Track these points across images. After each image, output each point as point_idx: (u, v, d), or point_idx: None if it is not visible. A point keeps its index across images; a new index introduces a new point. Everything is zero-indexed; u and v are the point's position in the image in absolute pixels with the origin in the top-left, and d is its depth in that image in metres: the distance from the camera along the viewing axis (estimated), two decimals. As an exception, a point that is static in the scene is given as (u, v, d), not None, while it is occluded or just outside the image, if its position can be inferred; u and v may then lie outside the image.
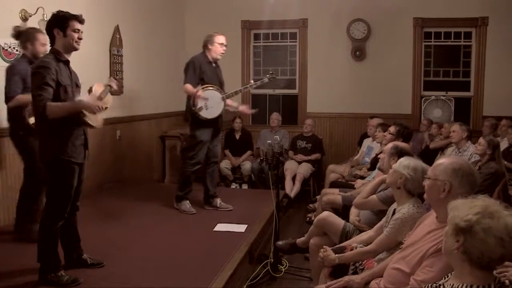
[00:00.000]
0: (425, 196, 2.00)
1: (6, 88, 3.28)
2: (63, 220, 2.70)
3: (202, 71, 4.16)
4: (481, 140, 3.85)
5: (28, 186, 3.43)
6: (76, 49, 2.71)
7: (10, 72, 3.31)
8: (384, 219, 2.57)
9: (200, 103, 4.09)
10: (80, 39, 2.69)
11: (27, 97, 3.08)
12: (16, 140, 3.37)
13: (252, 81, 4.37)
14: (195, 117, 4.15)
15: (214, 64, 4.28)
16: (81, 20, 2.68)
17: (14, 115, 3.33)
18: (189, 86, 4.12)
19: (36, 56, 3.35)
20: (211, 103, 4.14)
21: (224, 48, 4.24)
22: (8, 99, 3.28)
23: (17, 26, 3.55)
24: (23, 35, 3.41)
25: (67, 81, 2.66)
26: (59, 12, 2.68)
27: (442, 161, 1.94)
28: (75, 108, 2.63)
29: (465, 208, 1.42)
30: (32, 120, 3.11)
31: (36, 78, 2.57)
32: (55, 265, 2.69)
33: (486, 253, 1.37)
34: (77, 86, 2.80)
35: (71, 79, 2.73)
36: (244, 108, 4.53)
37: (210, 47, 4.21)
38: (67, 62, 2.71)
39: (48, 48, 3.33)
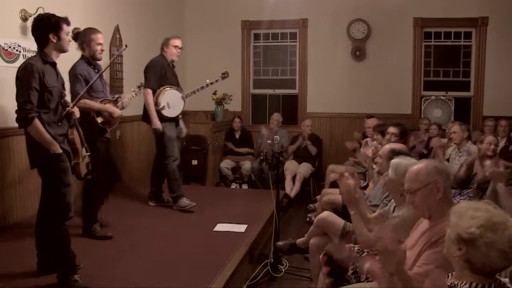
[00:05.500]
0: (415, 211, 1.99)
1: (71, 89, 3.28)
2: (69, 218, 2.63)
3: (163, 72, 4.28)
4: (490, 138, 3.80)
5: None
6: (67, 51, 2.74)
7: (71, 74, 3.36)
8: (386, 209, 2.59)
9: (163, 102, 4.22)
10: (70, 41, 2.76)
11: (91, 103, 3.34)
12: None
13: (208, 81, 4.58)
14: (158, 116, 4.24)
15: (171, 65, 4.41)
16: (68, 23, 2.69)
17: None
18: (150, 93, 4.21)
19: (93, 56, 3.45)
20: (172, 102, 4.29)
21: (179, 50, 4.37)
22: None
23: (76, 28, 3.65)
24: (80, 37, 3.51)
25: (53, 83, 2.62)
26: (48, 15, 2.64)
27: (415, 169, 1.94)
28: (50, 144, 2.55)
29: (468, 217, 1.40)
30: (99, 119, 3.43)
31: (22, 82, 2.52)
32: (73, 266, 2.64)
33: (487, 264, 1.36)
34: (64, 87, 2.78)
35: (58, 81, 2.70)
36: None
37: (166, 49, 4.35)
38: (53, 64, 2.67)
39: (104, 46, 3.49)
